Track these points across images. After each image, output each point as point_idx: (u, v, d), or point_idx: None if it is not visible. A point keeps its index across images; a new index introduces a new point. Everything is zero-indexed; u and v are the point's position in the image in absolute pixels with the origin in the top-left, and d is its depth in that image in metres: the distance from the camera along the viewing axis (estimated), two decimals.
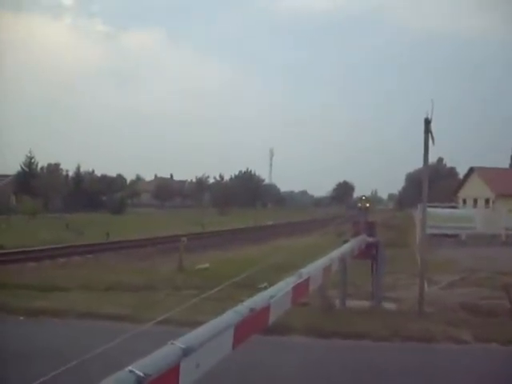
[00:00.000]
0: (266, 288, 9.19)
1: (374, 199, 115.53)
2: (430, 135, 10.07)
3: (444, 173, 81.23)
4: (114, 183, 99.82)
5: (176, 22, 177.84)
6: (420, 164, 10.87)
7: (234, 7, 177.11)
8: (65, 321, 9.61)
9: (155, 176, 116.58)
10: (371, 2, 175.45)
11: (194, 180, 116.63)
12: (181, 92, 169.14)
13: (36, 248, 22.31)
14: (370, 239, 10.96)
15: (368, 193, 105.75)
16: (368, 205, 65.30)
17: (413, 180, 77.45)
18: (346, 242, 9.84)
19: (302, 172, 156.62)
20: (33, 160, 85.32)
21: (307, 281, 4.68)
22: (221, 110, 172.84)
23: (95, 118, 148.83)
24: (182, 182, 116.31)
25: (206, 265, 16.53)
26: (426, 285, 11.07)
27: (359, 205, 62.27)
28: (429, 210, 12.47)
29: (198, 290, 12.07)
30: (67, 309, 10.17)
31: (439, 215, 28.14)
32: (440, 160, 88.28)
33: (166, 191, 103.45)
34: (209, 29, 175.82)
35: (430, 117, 9.97)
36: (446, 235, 27.54)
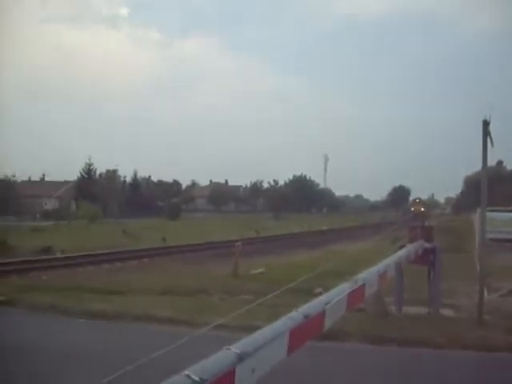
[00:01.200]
0: (321, 293, 9.18)
1: (430, 203, 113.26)
2: (488, 137, 9.80)
3: (504, 176, 78.74)
4: (169, 189, 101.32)
5: (229, 30, 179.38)
6: (479, 167, 10.59)
7: (286, 12, 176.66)
8: (122, 323, 9.81)
9: (210, 181, 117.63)
10: (421, 4, 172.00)
11: (249, 185, 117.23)
12: (234, 98, 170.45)
13: (95, 252, 22.87)
14: (427, 245, 10.74)
15: (424, 197, 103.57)
16: (422, 209, 64.26)
17: (471, 183, 75.45)
18: (402, 247, 9.68)
19: (357, 176, 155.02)
20: (92, 167, 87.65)
21: (363, 287, 4.63)
22: (274, 115, 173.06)
23: (152, 125, 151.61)
24: (237, 187, 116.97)
25: (261, 270, 16.56)
26: (485, 292, 10.75)
27: (412, 209, 61.88)
28: (488, 214, 12.10)
29: (253, 295, 12.12)
30: (124, 312, 10.37)
31: (499, 219, 27.28)
32: (500, 163, 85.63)
33: (221, 196, 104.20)
34: (261, 35, 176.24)
35: (488, 119, 9.71)
36: (507, 240, 26.70)
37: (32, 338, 8.67)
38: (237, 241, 20.51)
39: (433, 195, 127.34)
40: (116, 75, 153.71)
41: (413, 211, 75.96)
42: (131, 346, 7.86)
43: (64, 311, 10.59)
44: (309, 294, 9.47)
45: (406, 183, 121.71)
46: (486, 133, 9.74)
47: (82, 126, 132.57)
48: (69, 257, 21.56)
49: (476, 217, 25.93)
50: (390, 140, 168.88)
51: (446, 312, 10.67)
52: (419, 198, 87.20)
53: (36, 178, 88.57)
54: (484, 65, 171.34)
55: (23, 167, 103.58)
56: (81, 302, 11.21)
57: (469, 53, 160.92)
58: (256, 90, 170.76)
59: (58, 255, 22.62)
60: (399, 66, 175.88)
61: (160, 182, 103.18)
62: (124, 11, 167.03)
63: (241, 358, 2.34)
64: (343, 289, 4.10)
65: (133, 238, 32.69)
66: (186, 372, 2.06)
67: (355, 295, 4.34)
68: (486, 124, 9.70)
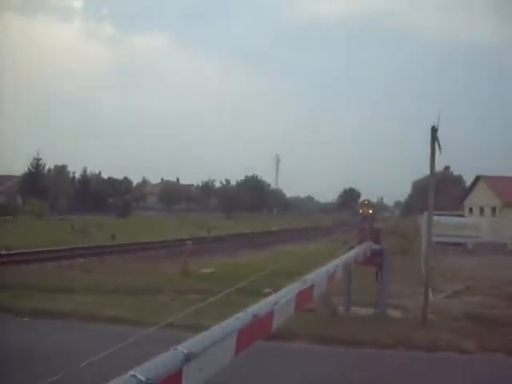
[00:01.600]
0: (270, 294, 9.23)
1: (379, 206, 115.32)
2: (437, 143, 10.06)
3: (451, 181, 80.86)
4: (120, 186, 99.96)
5: (183, 26, 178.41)
6: (427, 171, 10.85)
7: (238, 10, 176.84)
8: (68, 323, 9.64)
9: (161, 179, 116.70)
10: (381, 8, 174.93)
11: (200, 184, 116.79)
12: (186, 95, 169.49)
13: (42, 249, 22.36)
14: (376, 246, 10.94)
15: (374, 199, 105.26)
16: (371, 211, 65.31)
17: (419, 187, 77.36)
18: (351, 248, 9.84)
19: (307, 178, 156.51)
20: (40, 161, 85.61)
21: (311, 287, 4.68)
22: (226, 114, 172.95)
23: (102, 120, 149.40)
24: (188, 186, 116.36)
25: (211, 269, 16.53)
26: (430, 293, 11.03)
27: (360, 211, 63.09)
28: (435, 217, 12.42)
29: (203, 294, 12.10)
30: (71, 311, 10.20)
31: (445, 223, 28.03)
32: (447, 168, 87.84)
33: (172, 195, 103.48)
34: (215, 31, 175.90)
35: (436, 125, 9.97)
36: (453, 243, 27.44)
37: None
38: (187, 240, 20.42)
39: (382, 198, 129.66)
40: (65, 68, 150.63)
41: (361, 213, 77.02)
42: (77, 346, 7.73)
43: (8, 309, 10.33)
44: (258, 294, 9.52)
45: (356, 186, 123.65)
46: (434, 139, 10.00)
47: (30, 118, 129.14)
48: (14, 253, 21.01)
49: (423, 220, 26.56)
50: (340, 142, 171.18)
51: (393, 313, 10.90)
52: (368, 200, 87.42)
53: None
54: (434, 71, 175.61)
55: None
56: (26, 300, 10.95)
57: (421, 58, 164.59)
58: (208, 88, 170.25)
59: (3, 252, 22.02)
60: (352, 66, 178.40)
61: (110, 179, 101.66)
62: (78, 4, 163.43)
63: (188, 357, 2.33)
64: (292, 289, 4.14)
65: (81, 235, 32.13)
66: (133, 372, 2.04)
67: (304, 295, 4.39)
68: (434, 130, 9.96)
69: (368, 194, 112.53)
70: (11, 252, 21.62)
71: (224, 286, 12.08)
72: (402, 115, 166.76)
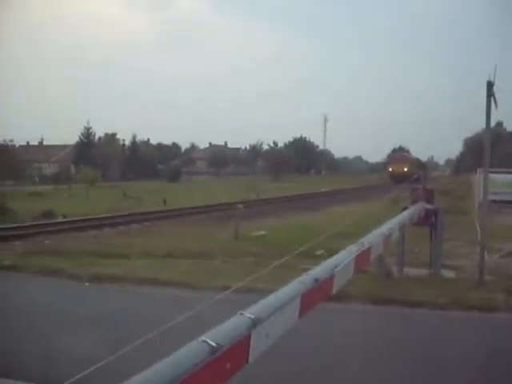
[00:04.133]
0: (322, 255, 9.23)
1: (430, 164, 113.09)
2: (492, 99, 9.72)
3: (504, 137, 78.41)
4: (169, 151, 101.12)
5: None
6: (479, 128, 10.54)
7: None
8: (126, 287, 9.89)
9: (209, 144, 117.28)
10: None
11: (248, 147, 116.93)
12: (233, 59, 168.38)
13: (96, 216, 22.91)
14: (429, 206, 10.76)
15: (424, 158, 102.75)
16: (406, 168, 64.97)
17: (471, 145, 74.97)
18: (405, 208, 9.70)
19: (356, 137, 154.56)
20: (90, 130, 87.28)
21: (369, 249, 4.65)
22: (272, 76, 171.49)
23: (149, 87, 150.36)
24: (236, 150, 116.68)
25: (262, 232, 16.63)
26: (486, 253, 10.83)
27: (390, 168, 61.97)
28: (489, 175, 12.09)
29: (256, 257, 12.22)
30: (128, 275, 10.44)
31: (500, 181, 27.26)
32: (499, 124, 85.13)
33: (221, 159, 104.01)
34: None
35: (492, 80, 9.61)
36: (508, 202, 26.73)
37: (37, 301, 8.77)
38: (237, 203, 20.55)
39: (432, 157, 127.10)
40: (113, 38, 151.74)
41: (391, 172, 70.89)
42: (138, 310, 7.96)
43: (68, 275, 10.68)
44: (309, 255, 9.55)
45: (406, 145, 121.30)
46: (490, 94, 9.66)
47: (80, 89, 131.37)
48: (70, 221, 21.62)
49: (475, 178, 25.92)
50: (390, 101, 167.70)
51: (447, 273, 10.76)
52: (401, 152, 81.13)
53: (34, 142, 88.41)
54: (487, 25, 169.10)
55: (21, 131, 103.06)
56: (84, 266, 11.29)
57: (471, 12, 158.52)
58: (255, 52, 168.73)
59: (60, 219, 22.68)
60: (401, 26, 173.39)
61: (159, 145, 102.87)
62: None
63: (255, 323, 2.35)
64: (350, 252, 4.11)
65: (133, 201, 32.76)
66: (203, 338, 2.07)
67: (362, 258, 4.36)
68: (490, 85, 9.61)
69: (418, 152, 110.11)
70: (67, 219, 22.26)
71: (276, 249, 12.21)
72: (453, 69, 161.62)
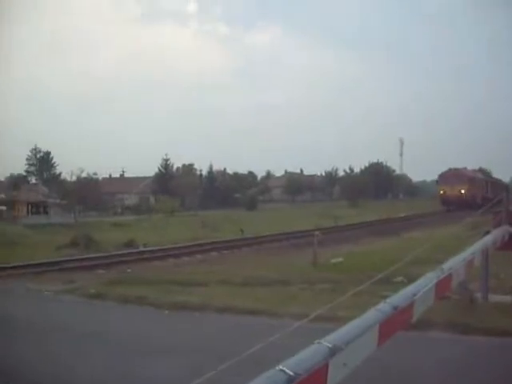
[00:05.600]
0: (402, 282, 9.01)
1: None
2: None
3: None
4: (245, 180, 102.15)
5: (292, 16, 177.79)
6: None
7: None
8: (205, 315, 9.98)
9: (285, 171, 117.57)
10: None
11: (324, 174, 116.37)
12: (305, 86, 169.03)
13: (175, 245, 23.41)
14: None
15: (507, 179, 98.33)
16: (463, 190, 58.76)
17: None
18: (487, 232, 9.35)
19: (434, 160, 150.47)
20: (169, 162, 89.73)
21: (450, 276, 4.51)
22: (346, 100, 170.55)
23: (226, 117, 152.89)
24: (312, 176, 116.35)
25: (340, 259, 16.47)
26: None
27: (441, 191, 56.78)
28: None
29: (334, 283, 12.08)
30: (207, 303, 10.54)
31: None
32: None
33: (296, 186, 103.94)
34: (326, 18, 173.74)
35: None
36: None
37: (121, 329, 9.02)
38: (315, 230, 20.48)
39: None
40: (188, 70, 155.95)
41: (443, 194, 59.30)
42: (217, 338, 8.02)
43: (150, 303, 10.91)
44: (389, 282, 9.34)
45: (488, 165, 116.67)
46: None
47: (161, 123, 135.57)
48: (151, 250, 22.20)
49: None
50: (466, 122, 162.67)
51: None
52: (456, 170, 60.60)
53: (116, 174, 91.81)
54: None
55: (104, 165, 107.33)
56: (165, 294, 11.51)
57: None
58: (326, 76, 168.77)
59: (141, 248, 23.32)
60: (477, 49, 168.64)
61: (235, 174, 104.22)
62: (193, 7, 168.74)
63: (333, 351, 2.33)
64: (430, 278, 4.01)
65: (211, 230, 33.23)
66: (281, 366, 2.08)
67: (442, 285, 4.23)
68: None
69: (500, 173, 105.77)
70: (149, 248, 22.86)
71: (354, 275, 12.02)
72: None
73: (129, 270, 16.58)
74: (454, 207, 53.27)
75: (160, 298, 11.19)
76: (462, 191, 57.55)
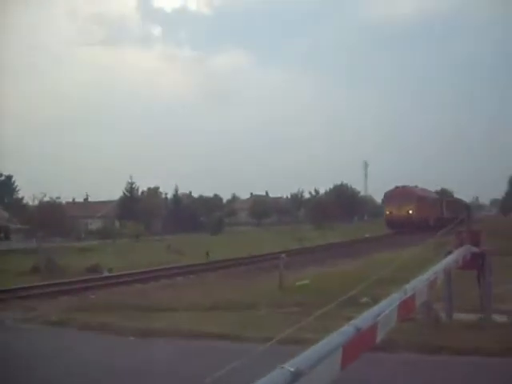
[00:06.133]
0: (367, 303, 9.05)
1: (474, 205, 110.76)
2: None
3: None
4: (210, 203, 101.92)
5: (261, 42, 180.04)
6: None
7: (317, 21, 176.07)
8: (171, 340, 9.85)
9: (251, 194, 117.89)
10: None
11: (290, 196, 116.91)
12: (268, 110, 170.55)
13: (140, 270, 23.12)
14: (475, 249, 10.50)
15: (468, 199, 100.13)
16: (411, 211, 57.59)
17: None
18: (449, 252, 9.49)
19: (398, 181, 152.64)
20: (134, 185, 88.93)
21: (413, 296, 4.55)
22: (312, 124, 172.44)
23: (189, 140, 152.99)
24: (278, 199, 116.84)
25: (306, 281, 16.47)
26: None
27: (388, 211, 58.33)
28: None
29: (300, 306, 12.07)
30: (173, 329, 10.42)
31: None
32: None
33: (262, 208, 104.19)
34: (295, 45, 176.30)
35: None
36: None
37: (84, 356, 8.82)
38: (280, 252, 20.48)
39: (477, 198, 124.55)
40: (152, 93, 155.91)
41: (389, 214, 55.63)
42: (183, 364, 7.91)
43: (114, 330, 10.72)
44: (355, 304, 9.36)
45: (449, 185, 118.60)
46: None
47: (121, 145, 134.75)
48: (116, 275, 21.88)
49: None
50: (427, 143, 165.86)
51: (500, 318, 10.40)
52: (402, 187, 55.40)
53: (80, 198, 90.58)
54: None
55: (67, 189, 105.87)
56: (130, 320, 11.33)
57: None
58: (292, 101, 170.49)
59: (106, 274, 22.97)
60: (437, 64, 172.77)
61: (201, 197, 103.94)
62: (157, 31, 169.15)
63: (296, 376, 2.32)
64: (393, 299, 4.04)
65: (177, 254, 32.97)
66: None
67: (406, 305, 4.27)
68: None
69: (462, 193, 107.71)
70: (113, 274, 22.53)
71: (320, 297, 12.05)
72: (493, 105, 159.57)
73: (92, 296, 16.29)
74: (401, 229, 49.73)
75: (125, 324, 11.00)
76: (410, 211, 53.26)
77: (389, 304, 3.86)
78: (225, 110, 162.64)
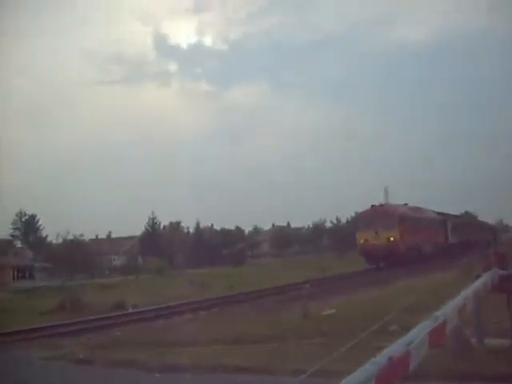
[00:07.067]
0: (395, 331, 8.89)
1: (500, 227, 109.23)
2: None
3: None
4: (232, 236, 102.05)
5: (276, 73, 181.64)
6: None
7: (332, 49, 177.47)
8: (197, 375, 9.75)
9: (272, 225, 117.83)
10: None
11: (311, 225, 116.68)
12: (289, 139, 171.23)
13: (164, 305, 23.10)
14: (503, 272, 10.31)
15: (492, 221, 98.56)
16: (392, 238, 39.00)
17: None
18: (478, 276, 9.33)
19: (421, 204, 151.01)
20: (155, 220, 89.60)
21: (444, 323, 4.46)
22: (332, 152, 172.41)
23: (210, 175, 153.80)
24: (299, 229, 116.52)
25: (332, 311, 16.28)
26: None
27: (362, 240, 40.88)
28: None
29: (327, 337, 11.90)
30: (198, 363, 10.32)
31: None
32: None
33: (284, 239, 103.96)
34: (311, 74, 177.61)
35: None
36: None
37: None
38: (304, 283, 20.34)
39: (502, 220, 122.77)
40: (171, 129, 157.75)
41: (363, 243, 41.18)
42: None
43: (139, 367, 10.67)
44: (383, 332, 9.21)
45: (473, 208, 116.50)
46: None
47: (144, 181, 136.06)
48: (140, 311, 21.89)
49: None
50: (454, 165, 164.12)
51: None
52: (381, 205, 43.32)
53: (103, 235, 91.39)
54: None
55: (91, 226, 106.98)
56: (156, 356, 11.28)
57: None
58: (311, 129, 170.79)
59: (130, 310, 22.97)
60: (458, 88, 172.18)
61: (223, 230, 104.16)
62: (173, 67, 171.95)
63: None
64: (424, 327, 3.96)
65: (200, 288, 32.91)
66: None
67: (437, 332, 4.19)
68: None
69: (486, 215, 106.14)
70: (137, 310, 22.53)
71: (347, 327, 11.89)
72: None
73: (118, 333, 16.26)
74: (379, 263, 40.09)
75: (150, 360, 10.95)
76: (392, 238, 38.91)
77: (419, 331, 3.79)
78: (245, 145, 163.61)
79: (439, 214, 52.27)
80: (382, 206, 43.37)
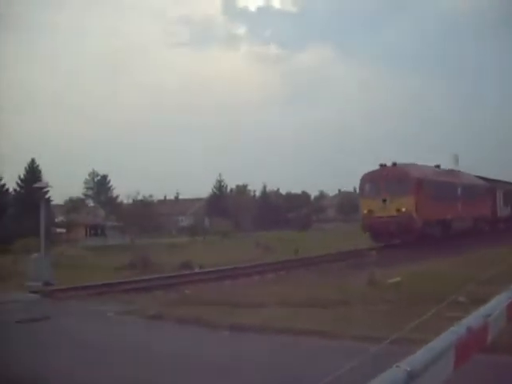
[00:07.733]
0: (463, 303, 8.75)
1: None
2: None
3: None
4: (298, 200, 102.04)
5: (342, 36, 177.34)
6: None
7: (398, 12, 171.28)
8: (265, 336, 9.94)
9: (339, 191, 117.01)
10: None
11: None
12: (355, 105, 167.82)
13: (232, 266, 23.50)
14: None
15: None
16: (404, 208, 29.29)
17: None
18: None
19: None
20: (222, 183, 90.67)
21: None
22: (393, 118, 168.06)
23: (277, 138, 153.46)
24: None
25: (398, 279, 16.14)
26: None
27: (365, 210, 31.36)
28: None
29: (393, 304, 11.85)
30: (266, 325, 10.50)
31: None
32: None
33: (350, 205, 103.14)
34: (375, 38, 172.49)
35: None
36: None
37: (182, 349, 9.11)
38: (369, 249, 20.21)
39: None
40: (240, 94, 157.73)
41: (367, 214, 32.56)
42: (280, 361, 7.98)
43: (209, 324, 10.97)
44: (451, 303, 9.07)
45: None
46: None
47: (212, 143, 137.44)
48: (207, 271, 22.38)
49: None
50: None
51: None
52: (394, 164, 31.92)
53: (171, 196, 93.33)
54: None
55: (159, 187, 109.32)
56: (223, 316, 11.55)
57: None
58: (374, 96, 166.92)
59: (197, 270, 23.53)
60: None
61: (288, 194, 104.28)
62: (242, 31, 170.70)
63: (411, 375, 2.30)
64: (502, 299, 3.90)
65: (266, 251, 33.23)
66: None
67: None
68: None
69: None
70: (204, 270, 23.05)
71: (413, 296, 11.77)
72: None
73: (186, 291, 16.72)
74: (389, 240, 31.47)
75: (218, 318, 11.24)
76: (403, 209, 30.49)
77: (497, 304, 3.74)
78: (311, 106, 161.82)
79: (485, 179, 42.46)
80: (394, 165, 32.65)
